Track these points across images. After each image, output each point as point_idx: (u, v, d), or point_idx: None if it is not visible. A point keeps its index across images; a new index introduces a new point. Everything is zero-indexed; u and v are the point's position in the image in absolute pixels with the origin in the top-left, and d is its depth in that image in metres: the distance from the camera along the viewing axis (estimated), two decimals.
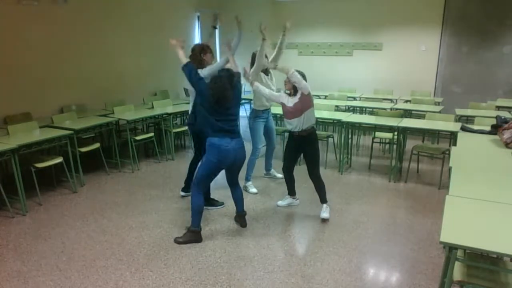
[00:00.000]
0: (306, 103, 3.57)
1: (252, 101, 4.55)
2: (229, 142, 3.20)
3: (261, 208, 4.01)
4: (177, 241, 3.29)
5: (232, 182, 3.54)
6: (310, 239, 3.42)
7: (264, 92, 3.85)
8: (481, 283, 2.01)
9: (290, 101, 3.64)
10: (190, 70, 3.28)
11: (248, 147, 4.47)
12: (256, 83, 3.92)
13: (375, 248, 3.24)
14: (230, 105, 3.23)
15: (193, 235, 3.26)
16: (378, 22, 7.63)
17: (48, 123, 4.68)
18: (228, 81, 3.17)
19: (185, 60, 3.31)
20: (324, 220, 3.69)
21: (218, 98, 3.13)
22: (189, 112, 3.96)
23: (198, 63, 3.65)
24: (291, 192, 4.03)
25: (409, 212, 3.94)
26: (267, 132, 4.62)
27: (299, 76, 3.53)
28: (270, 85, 4.41)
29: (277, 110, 4.89)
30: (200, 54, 3.73)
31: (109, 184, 4.74)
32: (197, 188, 3.28)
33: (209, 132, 3.24)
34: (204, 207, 3.94)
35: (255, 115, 4.48)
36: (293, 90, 3.65)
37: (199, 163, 3.44)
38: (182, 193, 4.24)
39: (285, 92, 3.76)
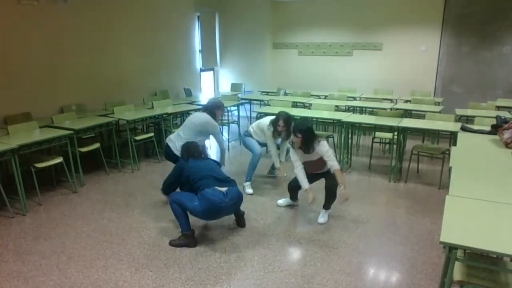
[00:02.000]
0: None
1: (252, 129, 4.55)
2: (223, 198, 3.09)
3: (261, 208, 4.01)
4: (172, 243, 3.28)
5: None
6: (310, 239, 3.42)
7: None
8: (481, 283, 2.01)
9: (305, 156, 3.59)
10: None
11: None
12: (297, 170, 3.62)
13: (375, 248, 3.24)
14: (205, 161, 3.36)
15: (185, 239, 3.24)
16: (378, 22, 7.62)
17: (48, 123, 4.68)
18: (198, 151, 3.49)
19: None
20: (320, 224, 3.68)
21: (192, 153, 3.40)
22: (177, 146, 3.95)
23: (212, 116, 4.11)
24: (293, 198, 4.04)
25: (409, 212, 3.94)
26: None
27: (330, 152, 3.53)
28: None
29: (278, 110, 4.93)
30: (214, 109, 4.13)
31: (109, 184, 4.74)
32: (172, 201, 3.24)
33: (200, 187, 3.17)
34: None
35: (247, 135, 4.56)
36: (303, 149, 3.56)
37: (191, 194, 3.26)
38: None
39: (292, 146, 3.65)
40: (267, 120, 4.37)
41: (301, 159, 3.63)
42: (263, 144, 4.59)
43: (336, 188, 3.59)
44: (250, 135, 4.54)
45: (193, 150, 3.49)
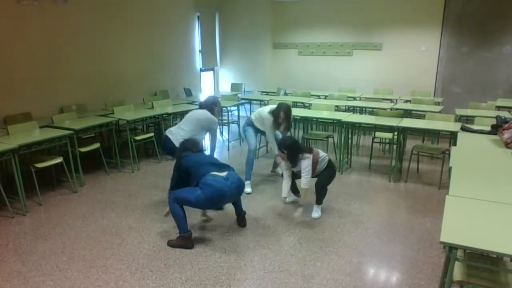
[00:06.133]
0: (313, 164, 3.65)
1: (254, 117, 4.56)
2: (224, 182, 3.09)
3: (261, 208, 4.02)
4: (170, 243, 3.28)
5: None
6: (310, 239, 3.42)
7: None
8: (481, 283, 2.01)
9: (296, 167, 3.70)
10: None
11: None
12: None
13: (375, 248, 3.24)
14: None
15: (183, 240, 3.23)
16: (378, 22, 7.62)
17: (48, 123, 4.68)
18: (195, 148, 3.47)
19: None
20: (314, 219, 3.76)
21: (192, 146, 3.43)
22: (178, 138, 3.98)
23: (210, 111, 4.22)
24: (295, 192, 4.10)
25: (409, 212, 3.94)
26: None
27: (307, 169, 3.61)
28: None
29: None
30: (212, 105, 4.25)
31: (109, 184, 4.74)
32: (173, 201, 3.19)
33: (200, 175, 3.15)
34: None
35: (250, 123, 4.58)
36: (290, 163, 3.69)
37: (192, 188, 3.21)
38: None
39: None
40: (268, 109, 4.41)
41: (290, 167, 3.76)
42: (263, 132, 4.64)
43: (326, 185, 3.74)
44: (252, 124, 4.55)
45: (192, 146, 3.50)
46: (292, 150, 3.61)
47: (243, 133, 4.66)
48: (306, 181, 3.60)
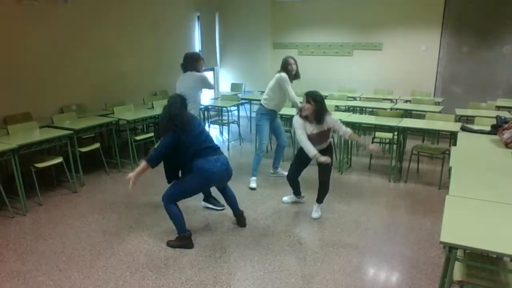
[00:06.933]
0: (330, 131, 3.61)
1: (265, 101, 4.57)
2: (215, 163, 3.13)
3: (261, 208, 4.01)
4: (169, 244, 3.28)
5: (222, 188, 3.54)
6: (310, 239, 3.42)
7: (301, 139, 3.52)
8: (481, 283, 2.01)
9: (311, 128, 3.51)
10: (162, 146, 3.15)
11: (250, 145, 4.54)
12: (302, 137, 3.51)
13: (375, 248, 3.24)
14: (198, 128, 3.20)
15: (182, 241, 3.24)
16: (378, 22, 7.61)
17: (48, 123, 4.69)
18: (182, 106, 3.22)
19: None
20: (314, 219, 3.75)
21: (182, 128, 3.09)
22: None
23: (194, 69, 4.17)
24: (297, 193, 4.07)
25: (409, 212, 3.94)
26: (276, 129, 4.72)
27: (339, 121, 3.59)
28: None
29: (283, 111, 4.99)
30: (194, 63, 4.16)
31: (109, 184, 4.74)
32: (168, 201, 3.17)
33: (192, 158, 3.11)
34: (203, 203, 3.96)
35: (263, 112, 4.57)
36: (315, 118, 3.48)
37: (179, 179, 3.23)
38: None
39: (300, 116, 3.53)
40: (273, 79, 4.46)
41: (305, 130, 3.52)
42: (274, 130, 4.65)
43: (328, 180, 3.68)
44: (265, 113, 4.53)
45: (185, 122, 3.15)
46: (321, 103, 3.49)
47: (256, 129, 4.66)
48: (347, 128, 3.57)
